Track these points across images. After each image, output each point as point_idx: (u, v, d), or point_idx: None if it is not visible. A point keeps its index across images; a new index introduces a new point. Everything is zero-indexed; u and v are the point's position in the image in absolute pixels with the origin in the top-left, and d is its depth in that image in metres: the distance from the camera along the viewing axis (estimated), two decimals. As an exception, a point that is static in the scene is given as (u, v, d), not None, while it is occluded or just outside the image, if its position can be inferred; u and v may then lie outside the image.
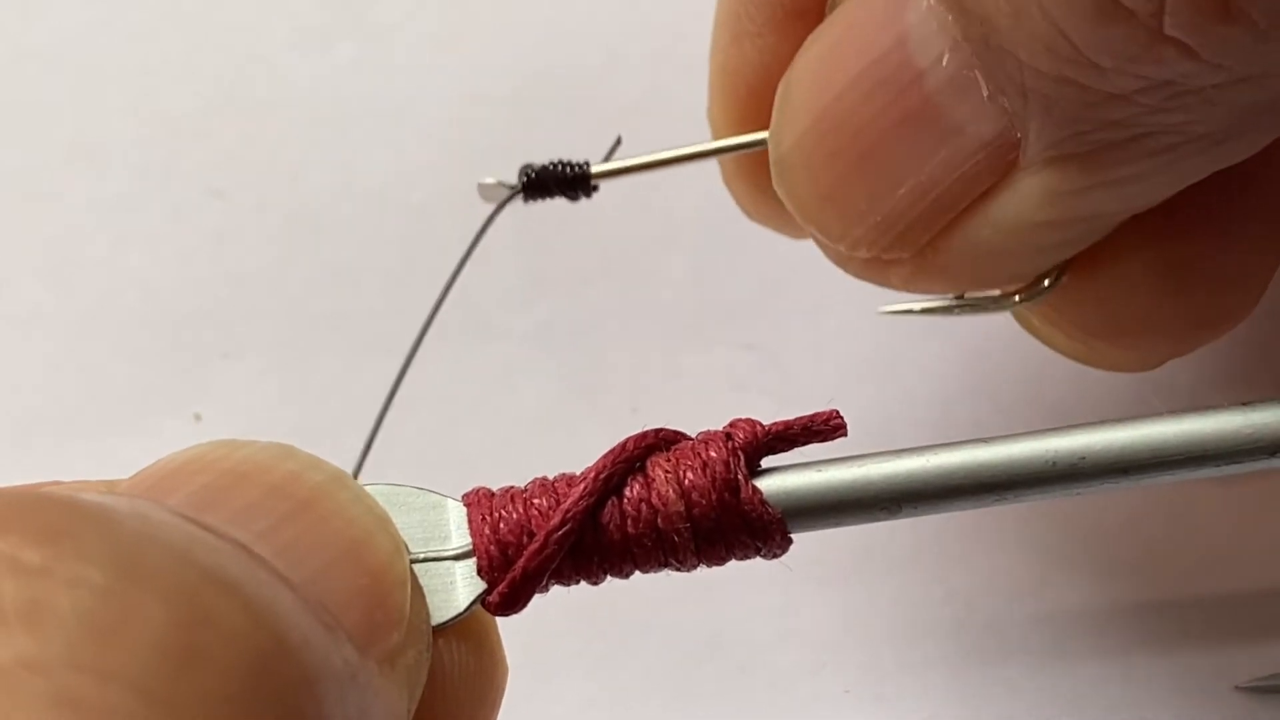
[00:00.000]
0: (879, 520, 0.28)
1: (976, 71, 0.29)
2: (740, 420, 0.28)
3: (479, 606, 0.27)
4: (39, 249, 0.46)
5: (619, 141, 0.36)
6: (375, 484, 0.27)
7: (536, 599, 0.27)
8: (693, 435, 0.28)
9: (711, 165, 0.37)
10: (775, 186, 0.34)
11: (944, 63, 0.30)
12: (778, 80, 0.33)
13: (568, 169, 0.36)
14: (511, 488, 0.28)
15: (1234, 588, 0.41)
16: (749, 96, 0.34)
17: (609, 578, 0.28)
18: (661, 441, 0.28)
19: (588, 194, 0.36)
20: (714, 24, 0.34)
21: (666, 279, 0.45)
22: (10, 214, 0.47)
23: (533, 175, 0.36)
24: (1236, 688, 0.40)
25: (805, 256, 0.45)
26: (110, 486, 0.24)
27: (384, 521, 0.26)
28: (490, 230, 0.46)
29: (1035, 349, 0.40)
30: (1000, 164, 0.30)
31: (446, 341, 0.45)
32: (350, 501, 0.25)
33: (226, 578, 0.20)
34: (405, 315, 0.45)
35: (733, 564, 0.42)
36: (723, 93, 0.35)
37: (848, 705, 0.41)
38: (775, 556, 0.28)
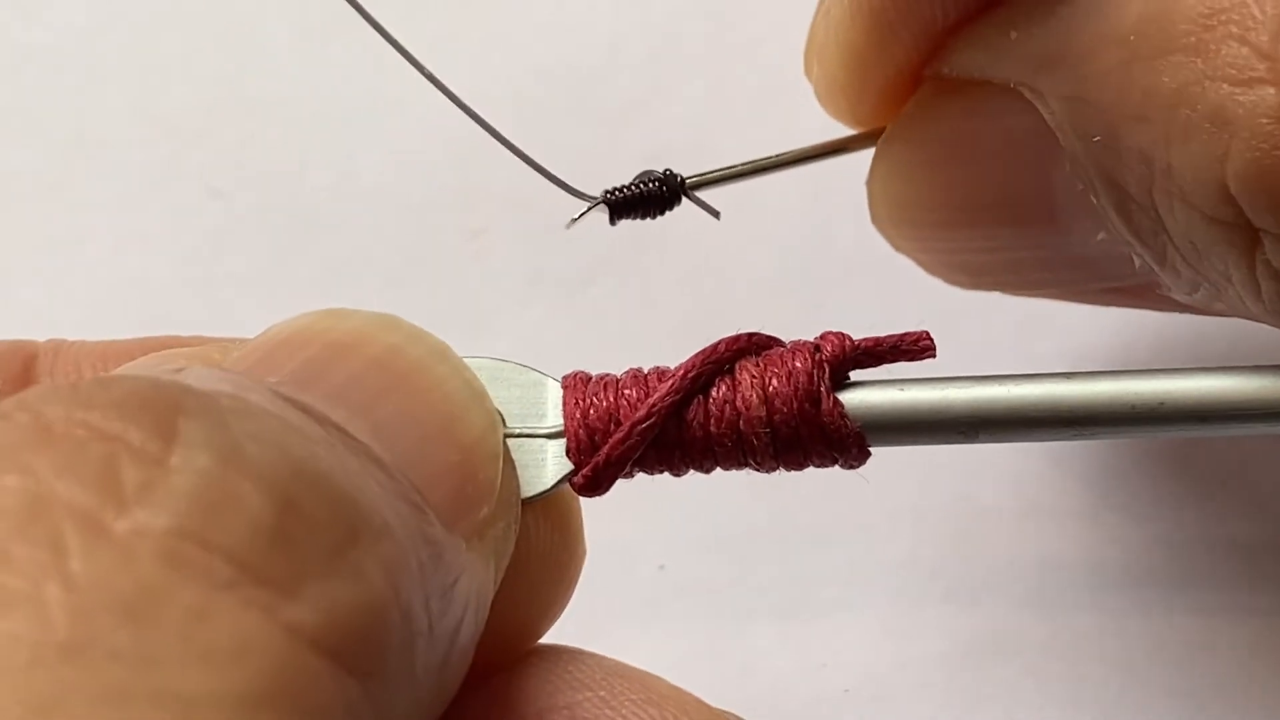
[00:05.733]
0: (955, 442, 0.28)
1: (1134, 255, 0.29)
2: (830, 333, 0.29)
3: (566, 486, 0.28)
4: (39, 249, 0.46)
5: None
6: (479, 357, 0.28)
7: None
8: (785, 342, 0.29)
9: (710, 163, 0.37)
10: (873, 222, 0.34)
11: (1098, 238, 0.30)
12: (907, 76, 0.32)
13: (654, 184, 0.33)
14: (608, 375, 0.29)
15: (1249, 585, 0.41)
16: (879, 85, 0.33)
17: (690, 470, 0.29)
18: (753, 346, 0.29)
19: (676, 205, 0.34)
20: (845, 6, 0.32)
21: (667, 279, 0.45)
22: (10, 214, 0.46)
23: (617, 196, 0.33)
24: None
25: (806, 256, 0.45)
26: (225, 351, 0.26)
27: (481, 396, 0.27)
28: (489, 228, 0.46)
29: (1043, 353, 0.41)
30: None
31: (446, 340, 0.45)
32: (448, 375, 0.26)
33: (315, 470, 0.22)
34: (405, 315, 0.45)
35: (732, 565, 0.42)
36: (850, 76, 0.33)
37: (848, 705, 0.41)
38: (853, 467, 0.29)
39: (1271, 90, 0.25)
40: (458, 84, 0.48)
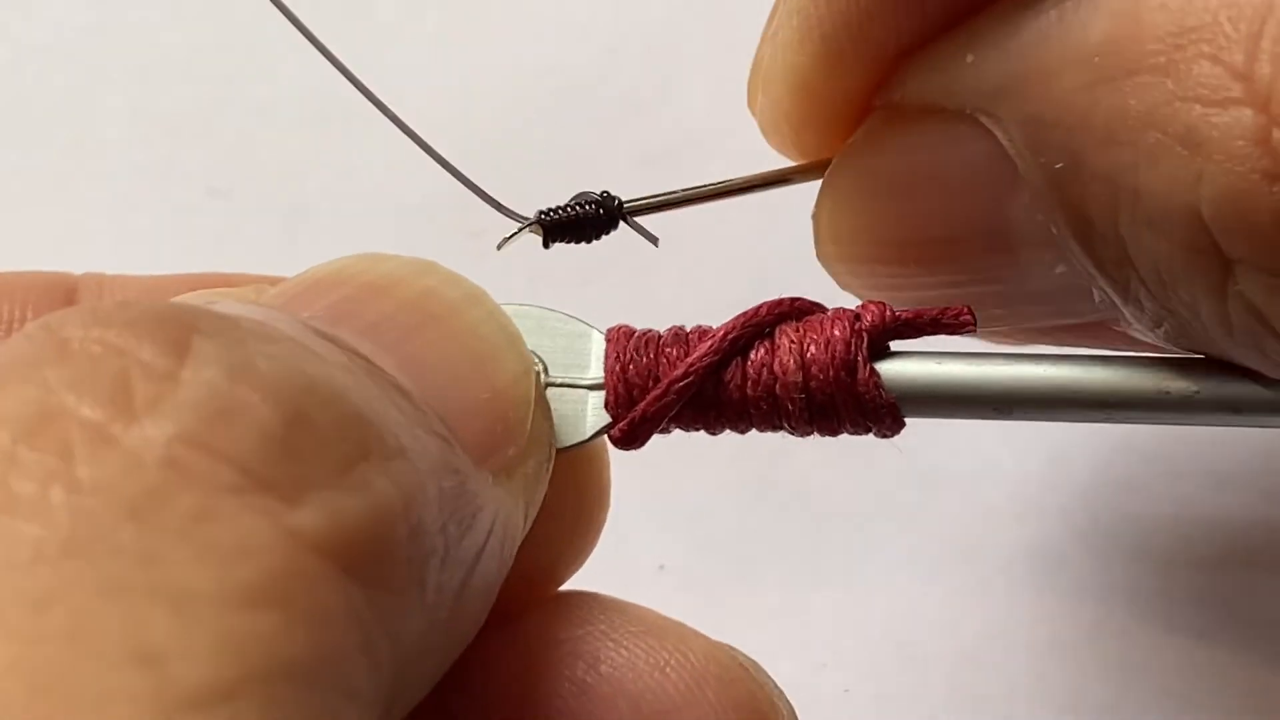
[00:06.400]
0: (989, 418, 0.29)
1: (1095, 288, 0.29)
2: (872, 302, 0.29)
3: (604, 438, 0.29)
4: (40, 249, 0.46)
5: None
6: (526, 304, 0.28)
7: None
8: (828, 308, 0.29)
9: (712, 164, 0.37)
10: (818, 258, 0.34)
11: (1057, 271, 0.29)
12: (857, 104, 0.31)
13: (591, 206, 0.32)
14: (651, 331, 0.29)
15: (1248, 585, 0.41)
16: (827, 113, 0.32)
17: (727, 430, 0.29)
18: (795, 310, 0.29)
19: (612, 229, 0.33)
20: (794, 28, 0.31)
21: (666, 279, 0.45)
22: (10, 214, 0.47)
23: (552, 218, 0.32)
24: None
25: (807, 257, 0.45)
26: (259, 292, 0.27)
27: (515, 340, 0.27)
28: (489, 228, 0.46)
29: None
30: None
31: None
32: (482, 319, 0.27)
33: (330, 388, 0.22)
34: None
35: (732, 565, 0.42)
36: (796, 104, 0.32)
37: (848, 705, 0.41)
38: (886, 436, 0.29)
39: (1248, 111, 0.24)
40: (457, 84, 0.48)
